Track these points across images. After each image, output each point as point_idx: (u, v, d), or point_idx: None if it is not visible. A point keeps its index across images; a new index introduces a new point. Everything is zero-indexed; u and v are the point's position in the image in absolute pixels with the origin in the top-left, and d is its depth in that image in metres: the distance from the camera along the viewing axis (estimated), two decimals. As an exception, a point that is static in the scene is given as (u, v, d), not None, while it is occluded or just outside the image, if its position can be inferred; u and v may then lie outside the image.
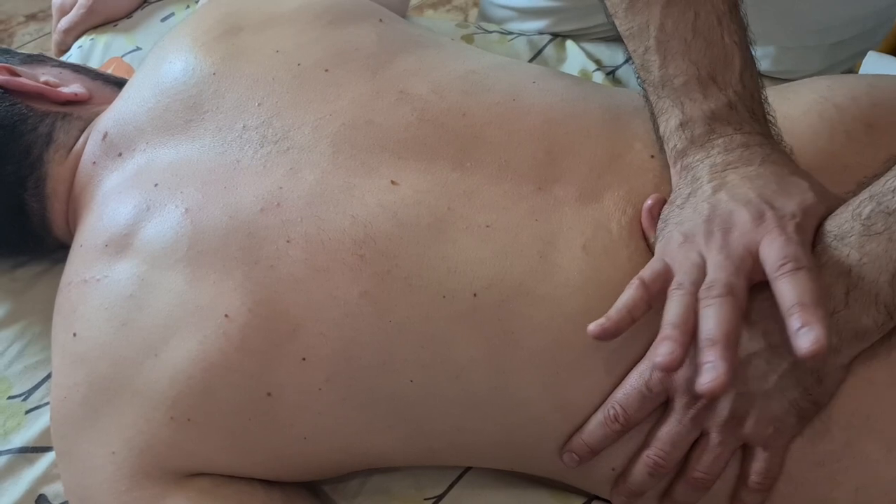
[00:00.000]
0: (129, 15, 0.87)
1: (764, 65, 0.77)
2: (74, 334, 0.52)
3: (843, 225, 0.43)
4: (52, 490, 0.57)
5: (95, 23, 0.86)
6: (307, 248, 0.48)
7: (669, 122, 0.49)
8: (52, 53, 0.86)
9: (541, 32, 0.86)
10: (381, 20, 0.60)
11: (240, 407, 0.48)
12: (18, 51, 0.70)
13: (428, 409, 0.49)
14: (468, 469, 0.57)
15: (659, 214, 0.48)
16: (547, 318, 0.47)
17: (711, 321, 0.41)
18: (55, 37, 0.87)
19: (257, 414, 0.48)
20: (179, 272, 0.49)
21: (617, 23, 0.53)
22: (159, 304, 0.49)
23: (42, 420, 0.60)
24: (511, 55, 0.83)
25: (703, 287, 0.42)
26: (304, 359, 0.48)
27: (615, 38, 0.55)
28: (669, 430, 0.46)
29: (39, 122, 0.61)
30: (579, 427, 0.48)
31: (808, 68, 0.74)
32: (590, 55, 0.83)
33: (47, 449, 0.59)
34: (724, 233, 0.44)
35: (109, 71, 0.77)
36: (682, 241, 0.45)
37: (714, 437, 0.46)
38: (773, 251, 0.42)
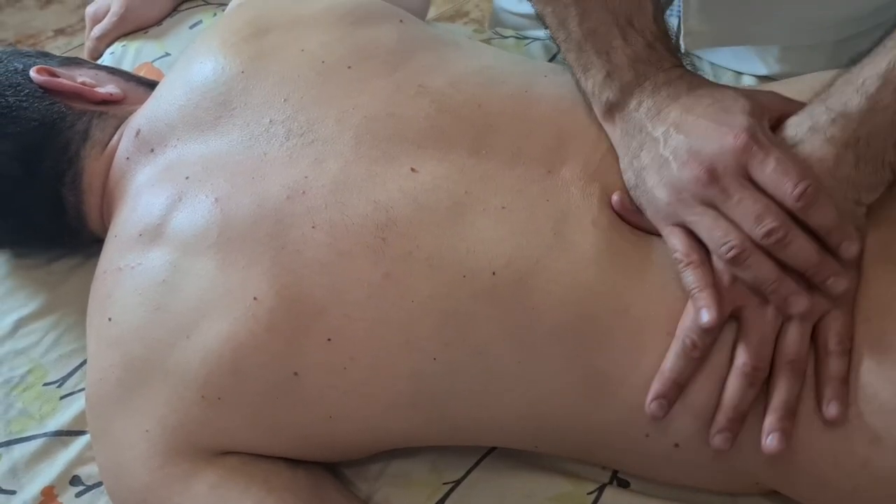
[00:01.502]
0: (159, 22, 0.90)
1: (769, 66, 0.79)
2: (109, 319, 0.54)
3: (847, 101, 0.46)
4: (86, 471, 0.60)
5: (127, 30, 0.89)
6: (332, 232, 0.50)
7: (596, 77, 0.52)
8: (84, 61, 0.89)
9: None
10: (401, 21, 0.62)
11: (268, 386, 0.50)
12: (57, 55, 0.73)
13: (451, 386, 0.51)
14: (486, 454, 0.58)
15: (626, 205, 0.51)
16: (566, 291, 0.49)
17: (800, 258, 0.45)
18: (88, 44, 0.90)
19: (284, 393, 0.50)
20: (210, 258, 0.52)
21: None
22: (191, 288, 0.52)
23: (76, 405, 0.63)
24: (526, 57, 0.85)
25: (761, 237, 0.45)
26: (329, 339, 0.50)
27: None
28: (753, 332, 0.47)
29: (77, 120, 0.64)
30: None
31: (814, 68, 0.75)
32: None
33: (81, 432, 0.61)
34: (708, 172, 0.46)
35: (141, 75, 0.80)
36: (671, 198, 0.48)
37: (794, 320, 0.47)
38: (775, 180, 0.45)
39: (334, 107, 0.55)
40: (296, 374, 0.50)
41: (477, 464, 0.58)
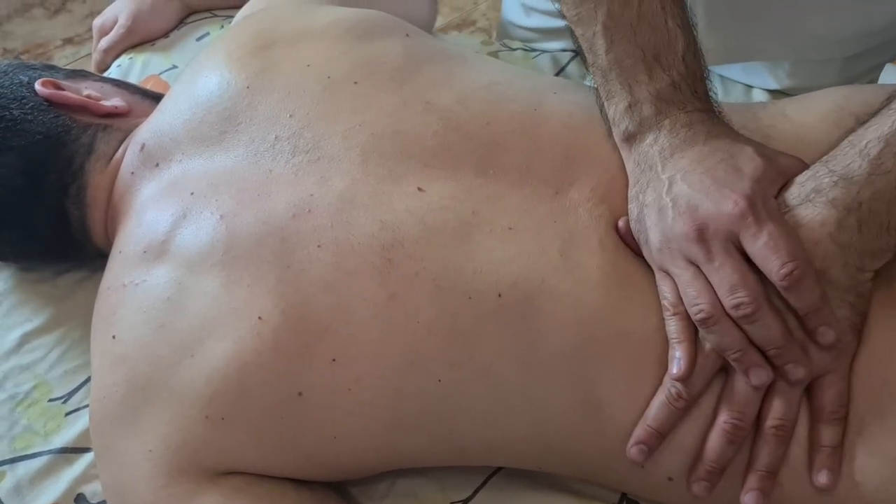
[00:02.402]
0: (166, 34, 0.89)
1: (780, 80, 0.78)
2: (114, 336, 0.54)
3: (850, 164, 0.46)
4: (91, 489, 0.59)
5: (134, 42, 0.89)
6: (337, 252, 0.50)
7: (618, 106, 0.52)
8: (91, 73, 0.89)
9: (563, 50, 0.88)
10: (407, 35, 0.62)
11: (272, 406, 0.50)
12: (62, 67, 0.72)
13: (456, 407, 0.50)
14: (494, 473, 0.58)
15: (630, 232, 0.51)
16: (571, 313, 0.49)
17: (764, 337, 0.45)
18: (95, 56, 0.90)
19: (289, 413, 0.50)
20: (215, 276, 0.51)
21: (564, 9, 0.55)
22: (195, 306, 0.51)
23: (81, 422, 0.62)
24: (535, 71, 0.84)
25: (730, 307, 0.45)
26: (334, 359, 0.49)
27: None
28: (738, 389, 0.47)
29: (82, 133, 0.64)
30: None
31: (824, 82, 0.75)
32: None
33: (86, 450, 0.61)
34: (698, 231, 0.46)
35: (148, 87, 0.79)
36: (661, 245, 0.48)
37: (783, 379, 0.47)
38: (764, 256, 0.45)
39: (340, 123, 0.55)
40: (300, 394, 0.50)
41: (484, 483, 0.58)
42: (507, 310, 0.49)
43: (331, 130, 0.55)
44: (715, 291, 0.46)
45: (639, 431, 0.48)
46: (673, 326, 0.47)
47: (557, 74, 0.85)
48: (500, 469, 0.58)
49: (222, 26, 0.89)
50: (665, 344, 0.48)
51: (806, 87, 0.76)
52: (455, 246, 0.50)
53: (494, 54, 0.87)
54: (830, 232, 0.45)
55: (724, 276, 0.45)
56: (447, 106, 0.55)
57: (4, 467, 0.60)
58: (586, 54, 0.54)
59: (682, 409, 0.47)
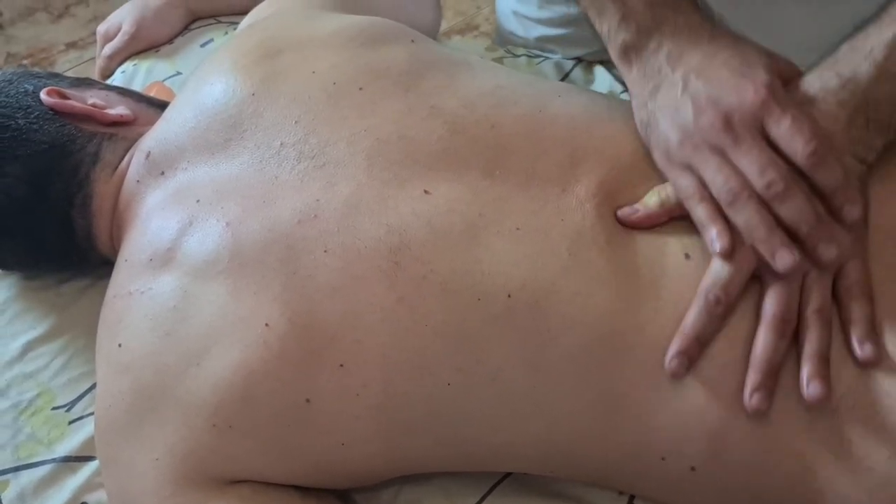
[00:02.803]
0: (170, 41, 0.90)
1: None
2: (119, 345, 0.53)
3: (856, 68, 0.47)
4: (94, 498, 0.59)
5: (138, 49, 0.89)
6: (344, 256, 0.50)
7: (612, 20, 0.53)
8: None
9: (564, 58, 0.88)
10: (412, 41, 0.62)
11: (279, 413, 0.50)
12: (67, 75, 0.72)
13: (465, 411, 0.50)
14: (500, 481, 0.57)
15: (630, 214, 0.51)
16: (582, 312, 0.48)
17: (796, 215, 0.46)
18: (99, 62, 0.90)
19: (296, 420, 0.50)
20: (221, 284, 0.51)
21: None
22: (201, 314, 0.51)
23: (84, 430, 0.62)
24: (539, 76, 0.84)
25: (762, 187, 0.46)
26: (341, 365, 0.49)
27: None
28: (779, 284, 0.47)
29: (87, 142, 0.64)
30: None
31: None
32: (617, 77, 0.84)
33: (90, 458, 0.61)
34: (724, 120, 0.47)
35: (152, 94, 0.80)
36: (683, 140, 0.49)
37: (814, 272, 0.47)
38: (790, 137, 0.46)
39: (346, 129, 0.55)
40: (308, 400, 0.49)
41: (490, 491, 0.57)
42: (517, 312, 0.49)
43: (336, 136, 0.55)
44: (743, 176, 0.46)
45: (677, 342, 0.47)
46: (701, 211, 0.48)
47: (562, 80, 0.85)
48: (506, 477, 0.58)
49: (226, 33, 0.89)
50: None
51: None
52: (463, 248, 0.50)
53: (499, 60, 0.87)
54: (842, 126, 0.47)
55: (753, 158, 0.46)
56: (452, 110, 0.55)
57: (8, 476, 0.60)
58: None
59: (720, 314, 0.47)
